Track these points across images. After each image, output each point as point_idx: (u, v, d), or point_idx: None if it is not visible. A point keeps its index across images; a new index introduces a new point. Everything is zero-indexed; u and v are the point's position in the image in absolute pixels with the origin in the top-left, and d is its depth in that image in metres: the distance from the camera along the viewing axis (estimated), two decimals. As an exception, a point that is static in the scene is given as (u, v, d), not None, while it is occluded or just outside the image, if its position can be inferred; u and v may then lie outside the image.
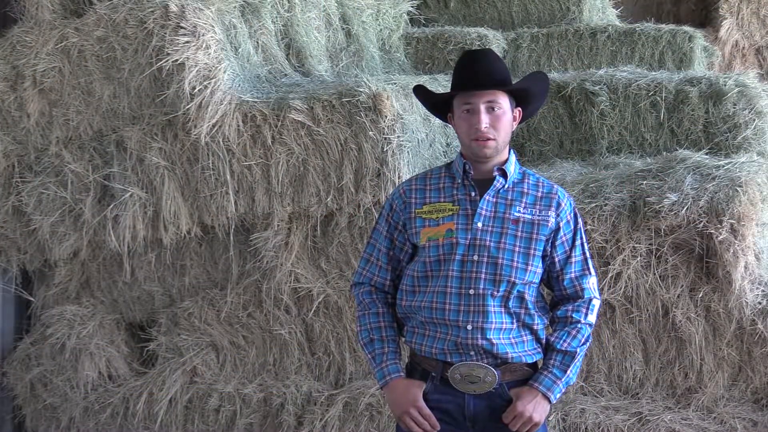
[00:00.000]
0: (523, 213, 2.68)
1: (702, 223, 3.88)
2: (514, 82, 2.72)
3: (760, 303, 3.97)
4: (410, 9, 6.26)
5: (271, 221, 4.51)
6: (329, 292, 4.48)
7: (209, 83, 4.35)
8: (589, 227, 4.03)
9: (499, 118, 2.65)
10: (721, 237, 3.84)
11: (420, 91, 2.83)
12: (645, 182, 4.12)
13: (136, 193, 4.71)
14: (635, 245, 4.01)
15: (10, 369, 5.33)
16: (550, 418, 4.00)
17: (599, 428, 3.99)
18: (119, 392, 4.97)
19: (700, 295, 4.00)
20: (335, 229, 4.45)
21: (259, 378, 4.70)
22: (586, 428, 4.00)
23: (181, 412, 4.77)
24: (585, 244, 2.76)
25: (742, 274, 3.89)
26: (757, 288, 3.96)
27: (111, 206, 4.78)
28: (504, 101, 2.66)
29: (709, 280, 4.01)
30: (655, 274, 4.02)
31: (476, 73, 2.64)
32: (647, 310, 4.09)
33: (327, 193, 4.36)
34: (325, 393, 4.48)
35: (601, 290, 4.01)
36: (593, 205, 4.08)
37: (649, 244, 4.01)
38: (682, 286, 4.03)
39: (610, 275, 4.04)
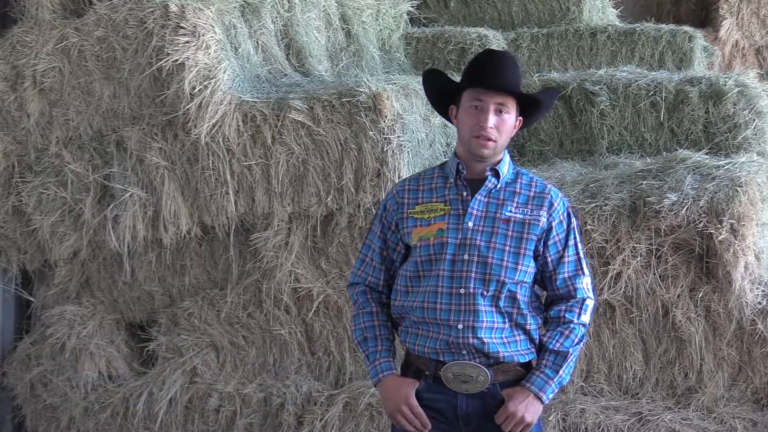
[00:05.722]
0: (515, 212, 2.69)
1: (702, 223, 3.88)
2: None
3: (760, 303, 3.96)
4: (410, 9, 6.25)
5: (271, 221, 4.51)
6: (329, 292, 4.48)
7: (209, 83, 4.35)
8: (589, 227, 4.03)
9: (505, 121, 2.67)
10: (721, 237, 3.84)
11: (433, 75, 2.82)
12: (645, 182, 4.12)
13: (136, 193, 4.71)
14: (635, 245, 4.01)
15: (10, 369, 5.33)
16: (550, 419, 4.00)
17: (599, 428, 3.99)
18: (119, 392, 4.96)
19: (700, 295, 4.00)
20: (335, 229, 4.45)
21: (259, 378, 4.70)
22: (586, 428, 4.00)
23: (181, 412, 4.77)
24: (579, 245, 2.76)
25: (742, 274, 3.89)
26: (757, 288, 3.96)
27: (111, 206, 4.78)
28: (513, 107, 2.68)
29: (709, 280, 4.00)
30: (655, 274, 4.02)
31: (497, 73, 2.64)
32: (647, 310, 4.09)
33: (327, 193, 4.36)
34: (325, 393, 4.48)
35: (600, 290, 4.03)
36: (593, 205, 4.08)
37: (649, 244, 4.01)
38: (682, 286, 4.03)
39: (610, 275, 4.04)
